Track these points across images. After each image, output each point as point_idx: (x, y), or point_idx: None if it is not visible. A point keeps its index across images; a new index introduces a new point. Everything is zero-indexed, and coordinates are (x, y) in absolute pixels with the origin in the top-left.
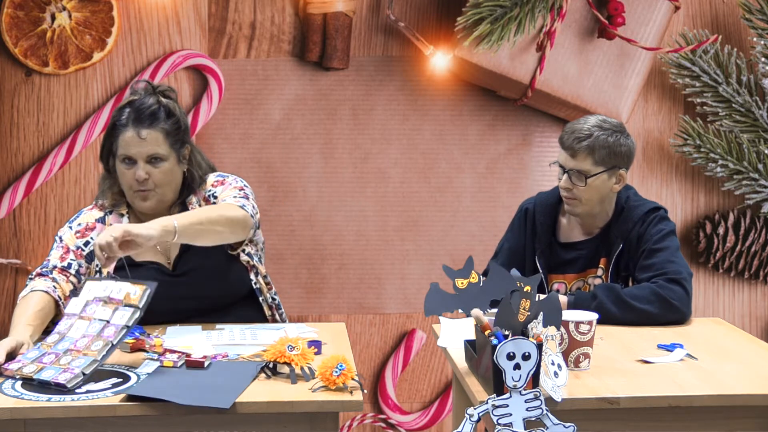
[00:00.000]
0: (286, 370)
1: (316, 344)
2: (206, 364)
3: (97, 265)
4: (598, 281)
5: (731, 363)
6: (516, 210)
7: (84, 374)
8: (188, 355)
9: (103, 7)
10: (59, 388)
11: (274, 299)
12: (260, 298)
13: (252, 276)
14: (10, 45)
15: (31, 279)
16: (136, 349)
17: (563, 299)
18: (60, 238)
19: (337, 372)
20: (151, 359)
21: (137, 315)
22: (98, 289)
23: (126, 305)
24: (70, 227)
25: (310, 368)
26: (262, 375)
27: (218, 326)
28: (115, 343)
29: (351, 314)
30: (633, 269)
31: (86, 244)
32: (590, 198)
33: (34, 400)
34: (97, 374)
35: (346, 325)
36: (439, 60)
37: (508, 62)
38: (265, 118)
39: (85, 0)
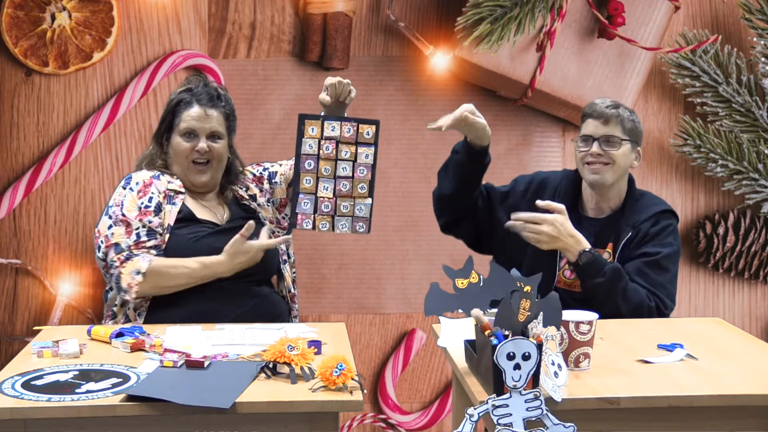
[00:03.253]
0: (286, 370)
1: (316, 344)
2: (206, 364)
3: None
4: None
5: (731, 363)
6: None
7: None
8: (188, 355)
9: (103, 7)
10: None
11: (290, 291)
12: (282, 282)
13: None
14: (10, 45)
15: (117, 267)
16: (136, 349)
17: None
18: (120, 207)
19: (337, 372)
20: (151, 359)
21: (376, 151)
22: (326, 129)
23: (362, 143)
24: (130, 189)
25: (310, 368)
26: (262, 375)
27: (218, 326)
28: (374, 180)
29: (351, 314)
30: (627, 257)
31: (150, 200)
32: (619, 165)
33: (34, 400)
34: (97, 374)
35: (346, 325)
36: (439, 60)
37: (508, 62)
38: (265, 118)
39: (85, 0)
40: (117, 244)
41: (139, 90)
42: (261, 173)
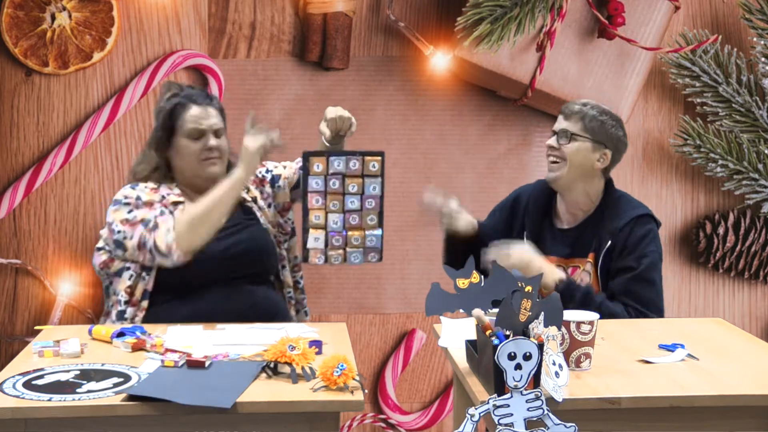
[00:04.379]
0: (287, 369)
1: (316, 344)
2: (207, 363)
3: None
4: (585, 276)
5: (732, 363)
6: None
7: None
8: (189, 355)
9: (103, 7)
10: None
11: (290, 295)
12: (281, 275)
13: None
14: (10, 45)
15: (148, 238)
16: (137, 348)
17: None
18: (138, 198)
19: (338, 372)
20: (152, 359)
21: (383, 182)
22: (331, 165)
23: (368, 176)
24: (140, 189)
25: (311, 368)
26: (263, 375)
27: (219, 326)
28: (383, 211)
29: (351, 314)
30: (610, 270)
31: (162, 198)
32: (572, 161)
33: (35, 400)
34: (98, 374)
35: (346, 325)
36: (439, 60)
37: (508, 62)
38: (265, 118)
39: (85, 0)
40: (144, 220)
41: (139, 90)
42: (263, 175)
